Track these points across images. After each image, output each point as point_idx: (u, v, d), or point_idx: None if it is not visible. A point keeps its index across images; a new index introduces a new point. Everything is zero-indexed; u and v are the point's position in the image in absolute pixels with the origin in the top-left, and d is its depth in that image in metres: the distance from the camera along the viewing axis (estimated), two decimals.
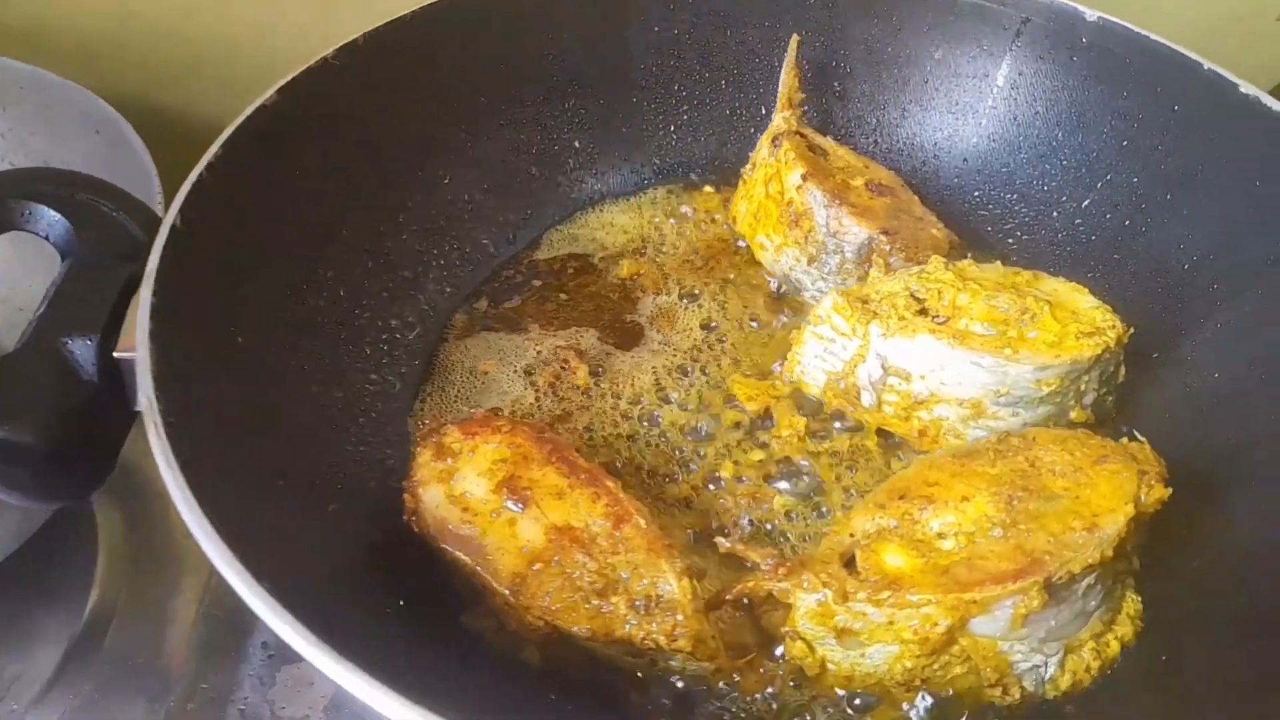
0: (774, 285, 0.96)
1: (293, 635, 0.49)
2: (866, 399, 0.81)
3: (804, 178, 0.90)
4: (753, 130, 1.07)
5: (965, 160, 1.04)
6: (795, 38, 0.98)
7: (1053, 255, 0.96)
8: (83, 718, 0.83)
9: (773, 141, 0.94)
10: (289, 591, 0.51)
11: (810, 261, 0.91)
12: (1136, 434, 0.77)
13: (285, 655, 0.79)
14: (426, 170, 0.93)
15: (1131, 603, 0.70)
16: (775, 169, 0.93)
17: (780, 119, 0.96)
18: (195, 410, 0.60)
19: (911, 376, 0.78)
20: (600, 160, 1.04)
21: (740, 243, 1.00)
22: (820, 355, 0.83)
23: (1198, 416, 0.80)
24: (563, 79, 1.01)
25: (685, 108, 1.07)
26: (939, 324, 0.77)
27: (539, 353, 0.90)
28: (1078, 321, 0.77)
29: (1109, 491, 0.66)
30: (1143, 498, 0.66)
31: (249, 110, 0.77)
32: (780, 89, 0.97)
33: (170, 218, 0.67)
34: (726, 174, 1.05)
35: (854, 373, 0.81)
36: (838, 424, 0.84)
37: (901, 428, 0.81)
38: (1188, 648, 0.67)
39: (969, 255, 0.89)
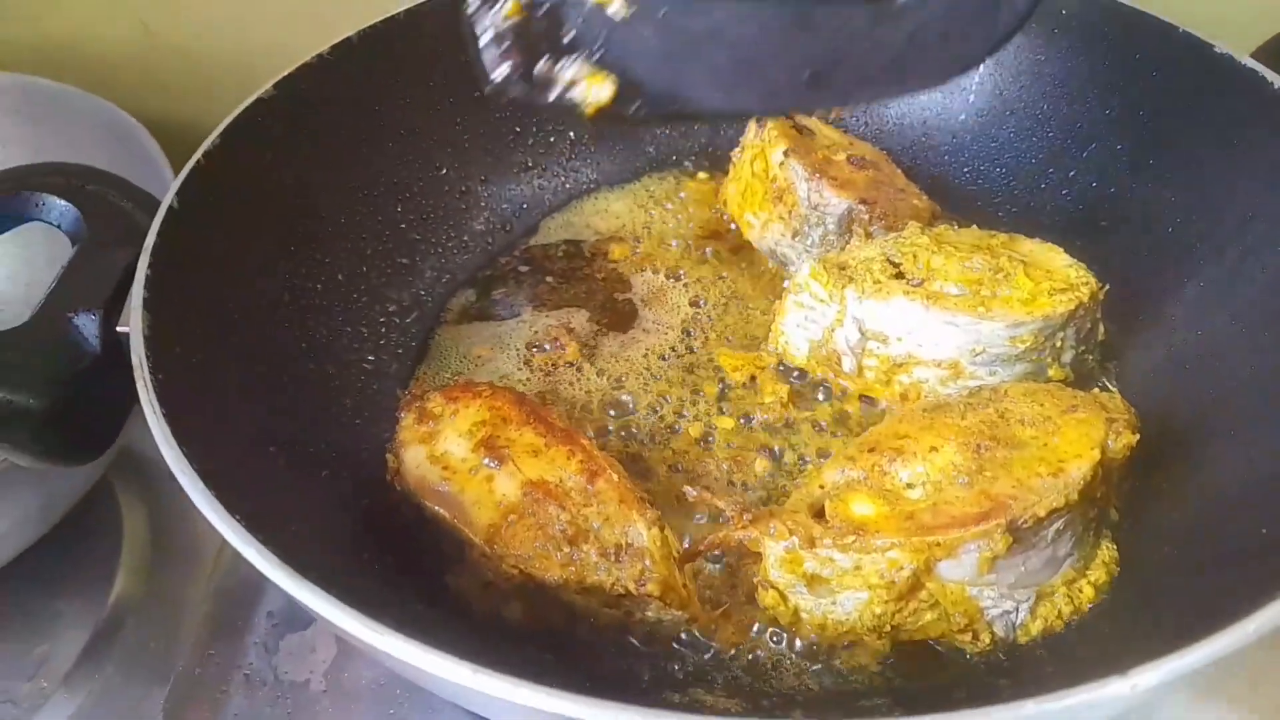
0: (770, 262, 0.98)
1: (280, 575, 0.52)
2: (847, 364, 0.82)
3: (786, 154, 0.92)
4: (746, 120, 1.10)
5: (954, 137, 1.05)
6: None
7: (1042, 224, 0.96)
8: (106, 700, 0.86)
9: (758, 121, 0.97)
10: (277, 541, 0.54)
11: (794, 235, 0.93)
12: (1108, 384, 0.77)
13: (289, 624, 0.82)
14: (422, 161, 0.97)
15: (1107, 550, 0.70)
16: (760, 148, 0.95)
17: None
18: (185, 373, 0.64)
19: (889, 339, 0.80)
20: (595, 150, 1.07)
21: (732, 226, 1.02)
22: (801, 324, 0.84)
23: (1180, 373, 0.80)
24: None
25: None
26: (914, 286, 0.78)
27: (533, 333, 0.92)
28: (1051, 279, 0.78)
29: (1076, 438, 0.67)
30: (1110, 444, 0.66)
31: (246, 102, 0.81)
32: None
33: (168, 199, 0.72)
34: (720, 162, 1.07)
35: (833, 338, 0.82)
36: (820, 394, 0.85)
37: (883, 392, 0.82)
38: (1164, 590, 0.67)
39: (954, 225, 0.91)
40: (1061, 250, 0.81)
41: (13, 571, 0.91)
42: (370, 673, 0.78)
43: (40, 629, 0.93)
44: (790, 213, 0.93)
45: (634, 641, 0.69)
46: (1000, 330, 0.76)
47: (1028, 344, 0.76)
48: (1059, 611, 0.67)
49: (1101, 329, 0.81)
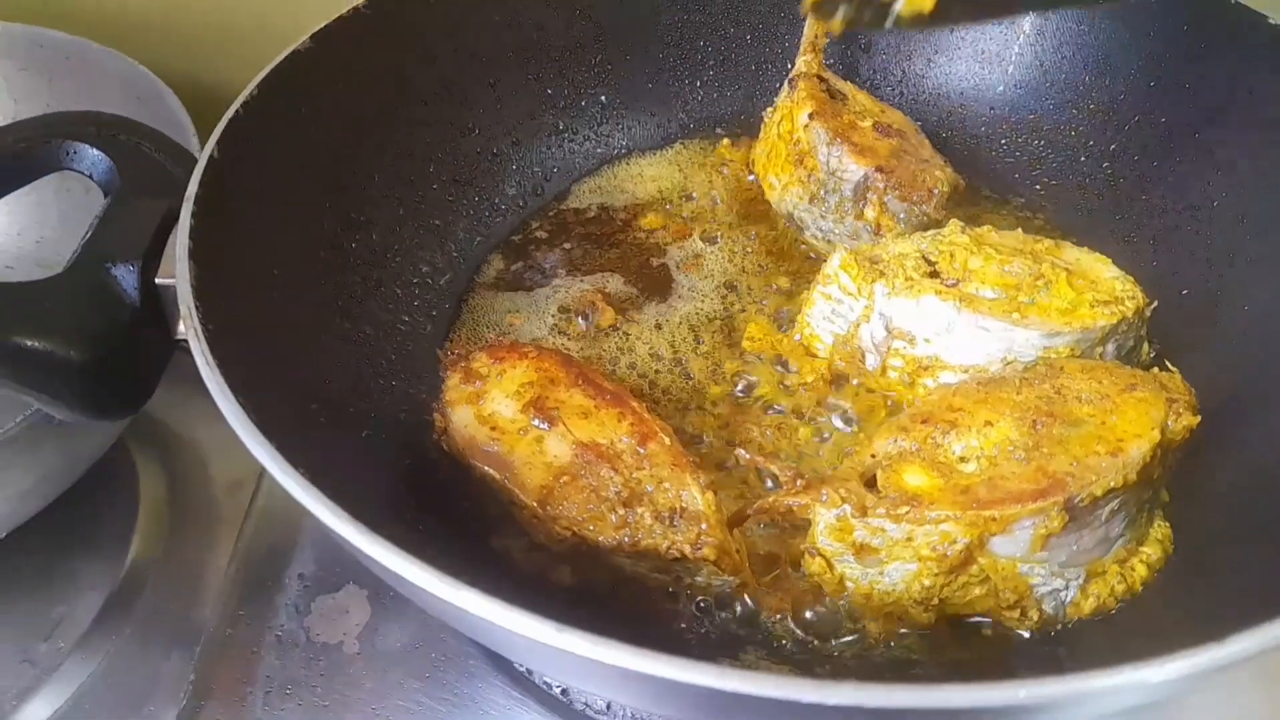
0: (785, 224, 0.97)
1: (334, 520, 0.51)
2: (871, 361, 0.80)
3: (811, 116, 0.91)
4: (779, 84, 1.08)
5: (992, 109, 1.04)
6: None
7: (1080, 199, 0.96)
8: (122, 662, 0.86)
9: (789, 83, 0.95)
10: (329, 490, 0.53)
11: (811, 200, 0.92)
12: (1168, 364, 0.76)
13: (321, 585, 0.81)
14: (455, 122, 0.95)
15: (1160, 529, 0.69)
16: (788, 109, 0.94)
17: (802, 62, 0.96)
18: (231, 325, 0.62)
19: (916, 339, 0.77)
20: (627, 115, 1.06)
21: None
22: (828, 317, 0.81)
23: (1227, 347, 0.80)
24: (588, 34, 1.02)
25: (711, 63, 1.08)
26: (948, 286, 0.76)
27: (568, 297, 0.91)
28: (1095, 290, 0.75)
29: (1135, 417, 0.66)
30: (1170, 424, 0.66)
31: (283, 54, 0.79)
32: (805, 32, 0.98)
33: (209, 149, 0.70)
34: (753, 128, 1.06)
35: (858, 334, 0.80)
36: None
37: (906, 394, 0.79)
38: (1219, 569, 0.67)
39: (985, 198, 0.89)
40: (1110, 261, 0.78)
41: (29, 532, 0.90)
42: (405, 635, 0.78)
43: (57, 590, 0.92)
44: (810, 176, 0.91)
45: (681, 605, 0.68)
46: (1035, 339, 0.73)
47: (1063, 356, 0.74)
48: (1112, 589, 0.66)
49: (1146, 347, 0.79)
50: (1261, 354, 0.76)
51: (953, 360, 0.76)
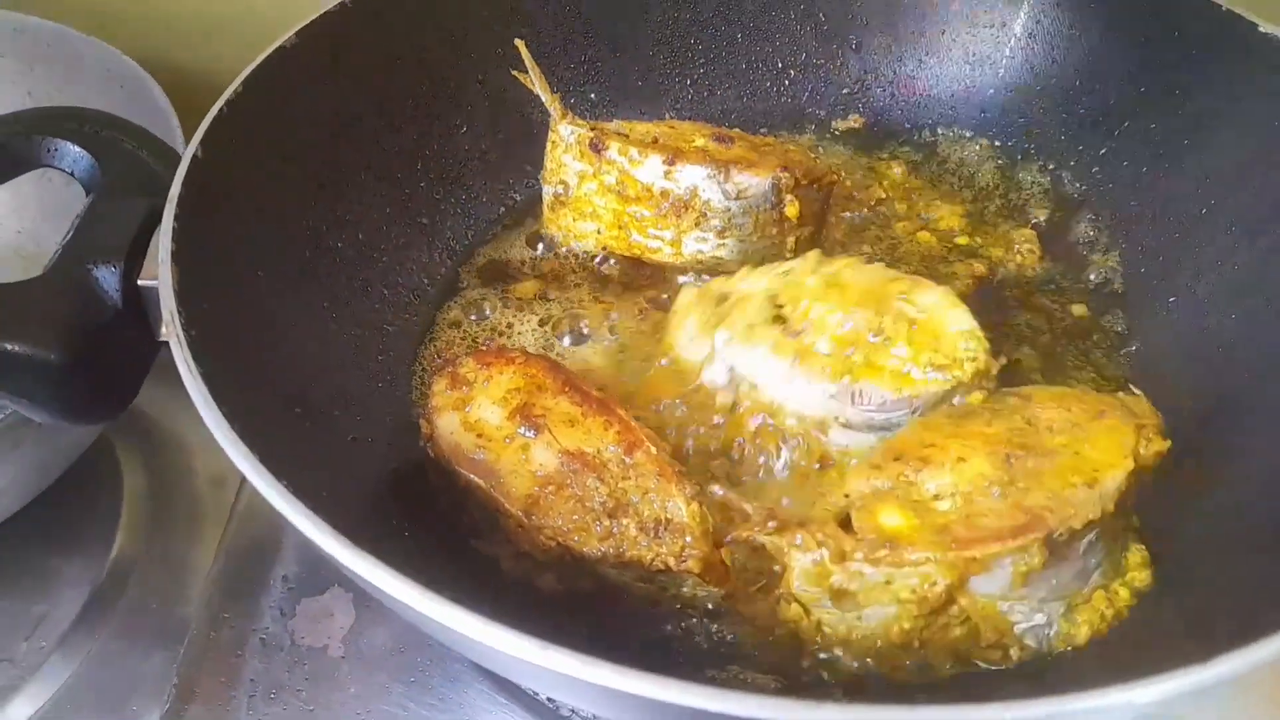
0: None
1: (316, 533, 0.50)
2: (721, 398, 0.75)
3: (667, 163, 0.83)
4: (768, 84, 1.08)
5: (983, 112, 1.04)
6: (519, 42, 0.86)
7: (1070, 202, 0.96)
8: (104, 661, 0.86)
9: (590, 147, 0.85)
10: (312, 498, 0.52)
11: (721, 234, 0.86)
12: (1136, 384, 0.76)
13: (305, 587, 0.81)
14: (443, 118, 0.94)
15: (1136, 552, 0.69)
16: (617, 171, 0.85)
17: (566, 127, 0.86)
18: (214, 330, 0.61)
19: (757, 385, 0.73)
20: (616, 113, 1.04)
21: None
22: (688, 343, 0.77)
23: (1214, 355, 0.80)
24: (577, 30, 1.01)
25: (701, 60, 1.07)
26: (789, 337, 0.71)
27: (554, 298, 0.90)
28: (935, 349, 0.70)
29: (1108, 446, 0.65)
30: (1141, 451, 0.65)
31: (268, 51, 0.78)
32: (542, 97, 0.87)
33: (192, 148, 0.69)
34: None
35: (700, 374, 0.75)
36: None
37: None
38: (1205, 584, 0.66)
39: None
40: (966, 310, 0.72)
41: (10, 529, 0.90)
42: (390, 639, 0.77)
43: (38, 587, 0.91)
44: (703, 217, 0.85)
45: (667, 616, 0.68)
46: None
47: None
48: (1102, 615, 0.65)
49: None
50: (1247, 365, 0.77)
51: (790, 409, 0.72)
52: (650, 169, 0.84)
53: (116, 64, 1.05)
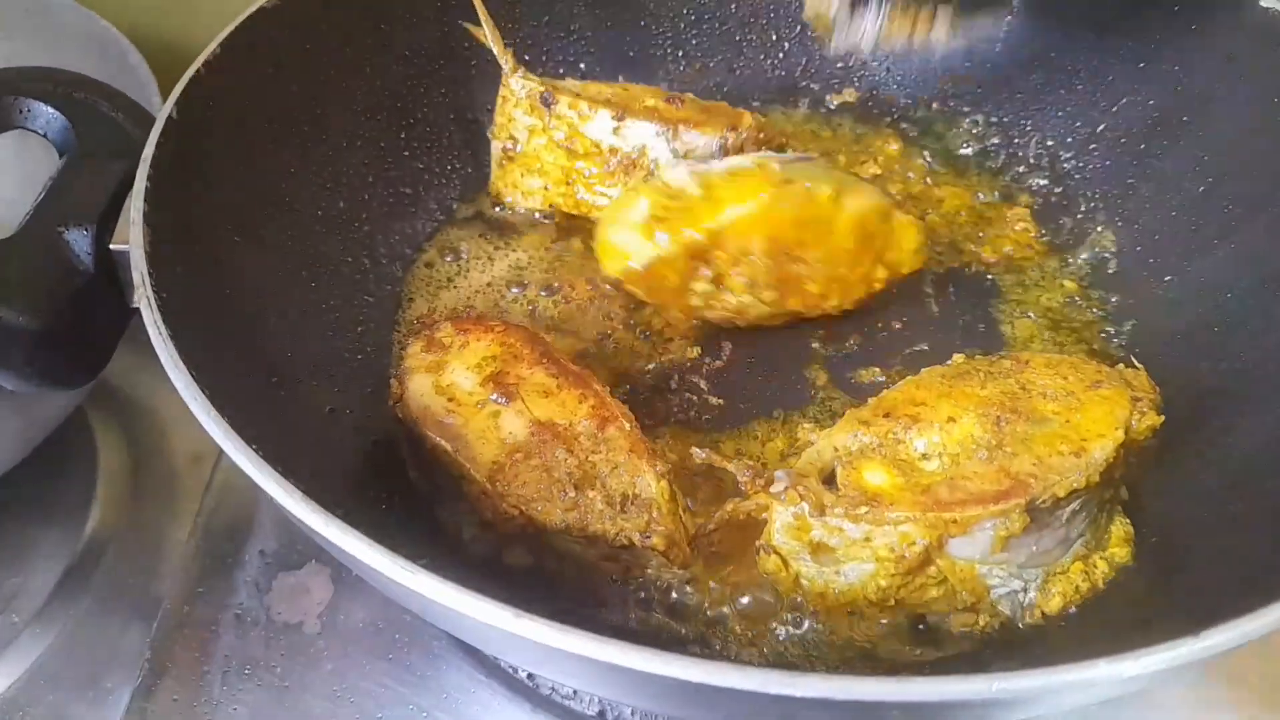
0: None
1: (286, 499, 0.49)
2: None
3: (616, 118, 0.83)
4: (762, 57, 1.06)
5: (979, 88, 1.02)
6: None
7: (1068, 180, 0.95)
8: (79, 635, 0.84)
9: (540, 100, 0.85)
10: (286, 467, 0.51)
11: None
12: (1134, 359, 0.75)
13: (282, 562, 0.79)
14: (429, 86, 0.92)
15: (1120, 526, 0.68)
16: (567, 126, 0.85)
17: (518, 81, 0.86)
18: (187, 295, 0.60)
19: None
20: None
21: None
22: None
23: (1211, 335, 0.78)
24: (569, 2, 0.99)
25: (694, 33, 1.05)
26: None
27: (538, 269, 0.89)
28: None
29: (1100, 416, 0.64)
30: (1134, 424, 0.64)
31: (249, 11, 0.76)
32: (494, 49, 0.86)
33: (167, 109, 0.67)
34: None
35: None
36: None
37: None
38: (1189, 563, 0.65)
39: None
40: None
41: None
42: (368, 616, 0.76)
43: (13, 562, 0.90)
44: (654, 174, 0.83)
45: (630, 595, 0.66)
46: None
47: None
48: (1076, 587, 0.65)
49: None
50: (1245, 345, 0.75)
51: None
52: (599, 125, 0.84)
53: (95, 30, 1.03)
